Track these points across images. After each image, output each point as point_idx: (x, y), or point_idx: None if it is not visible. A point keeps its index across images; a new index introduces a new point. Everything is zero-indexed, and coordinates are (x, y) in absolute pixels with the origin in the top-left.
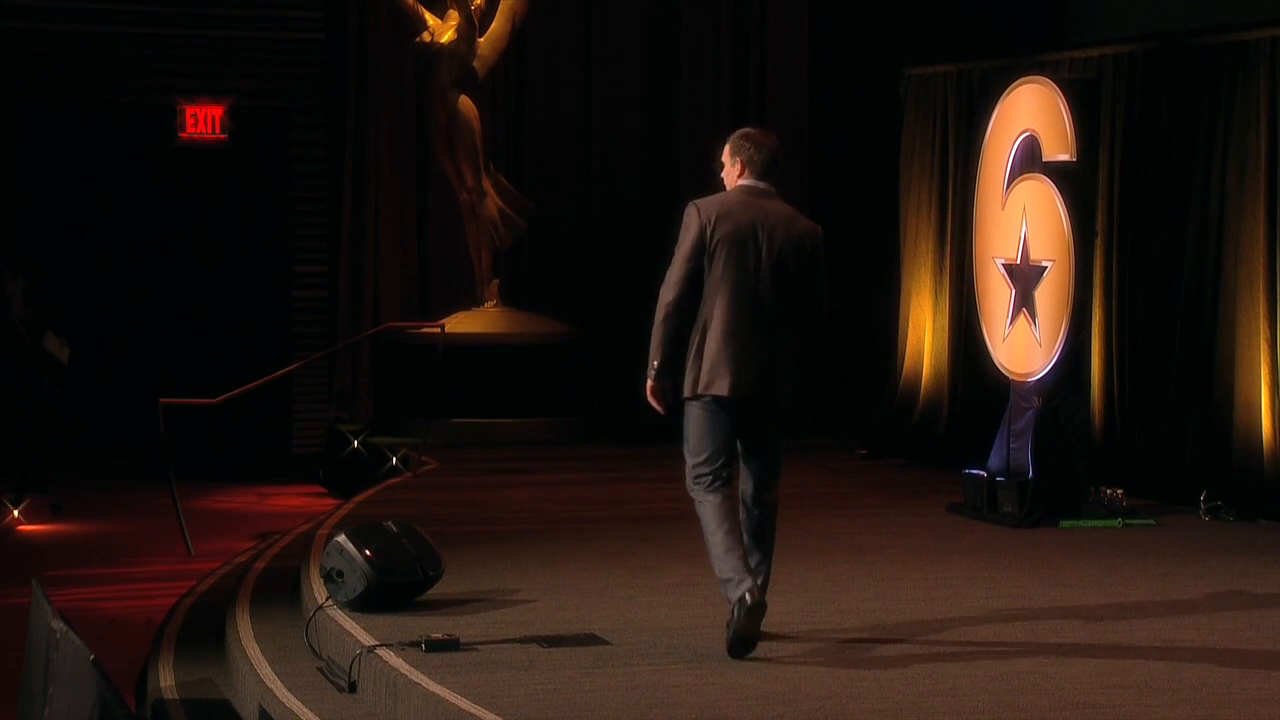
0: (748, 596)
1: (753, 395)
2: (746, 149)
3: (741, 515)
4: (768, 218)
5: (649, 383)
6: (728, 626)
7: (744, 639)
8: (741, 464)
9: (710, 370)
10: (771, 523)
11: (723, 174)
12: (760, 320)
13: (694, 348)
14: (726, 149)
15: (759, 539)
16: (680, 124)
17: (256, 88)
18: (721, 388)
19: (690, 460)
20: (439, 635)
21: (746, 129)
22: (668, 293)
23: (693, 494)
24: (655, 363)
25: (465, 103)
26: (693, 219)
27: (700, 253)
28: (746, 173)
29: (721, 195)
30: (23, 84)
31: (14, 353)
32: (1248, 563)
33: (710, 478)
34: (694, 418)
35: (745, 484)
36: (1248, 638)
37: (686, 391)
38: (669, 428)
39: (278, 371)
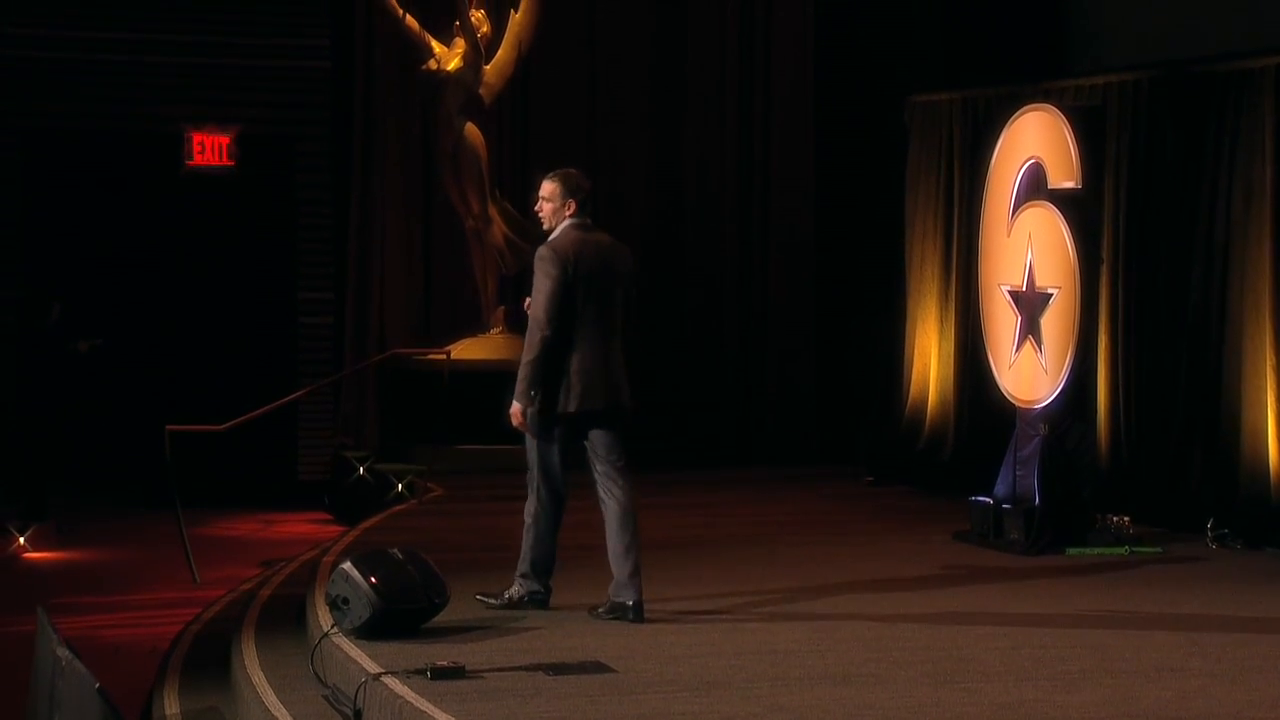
0: (634, 614)
1: (615, 401)
2: (580, 190)
3: (609, 513)
4: (603, 249)
5: (520, 408)
6: (600, 611)
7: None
8: (600, 466)
9: (584, 390)
10: (635, 516)
11: (545, 209)
12: (613, 339)
13: (564, 372)
14: (556, 188)
15: (628, 533)
16: (685, 153)
17: (263, 115)
18: (595, 402)
19: (548, 473)
20: (444, 663)
21: (566, 169)
22: (545, 329)
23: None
24: (535, 393)
25: (471, 130)
26: (553, 263)
27: (566, 290)
28: (578, 210)
29: (567, 237)
30: (29, 111)
31: (46, 374)
32: (1254, 591)
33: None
34: (555, 434)
35: (606, 482)
36: (1255, 666)
37: (560, 408)
38: (672, 453)
39: (284, 398)
